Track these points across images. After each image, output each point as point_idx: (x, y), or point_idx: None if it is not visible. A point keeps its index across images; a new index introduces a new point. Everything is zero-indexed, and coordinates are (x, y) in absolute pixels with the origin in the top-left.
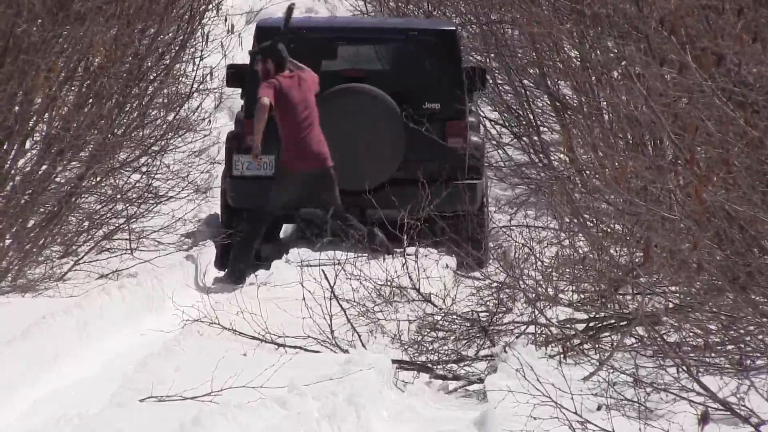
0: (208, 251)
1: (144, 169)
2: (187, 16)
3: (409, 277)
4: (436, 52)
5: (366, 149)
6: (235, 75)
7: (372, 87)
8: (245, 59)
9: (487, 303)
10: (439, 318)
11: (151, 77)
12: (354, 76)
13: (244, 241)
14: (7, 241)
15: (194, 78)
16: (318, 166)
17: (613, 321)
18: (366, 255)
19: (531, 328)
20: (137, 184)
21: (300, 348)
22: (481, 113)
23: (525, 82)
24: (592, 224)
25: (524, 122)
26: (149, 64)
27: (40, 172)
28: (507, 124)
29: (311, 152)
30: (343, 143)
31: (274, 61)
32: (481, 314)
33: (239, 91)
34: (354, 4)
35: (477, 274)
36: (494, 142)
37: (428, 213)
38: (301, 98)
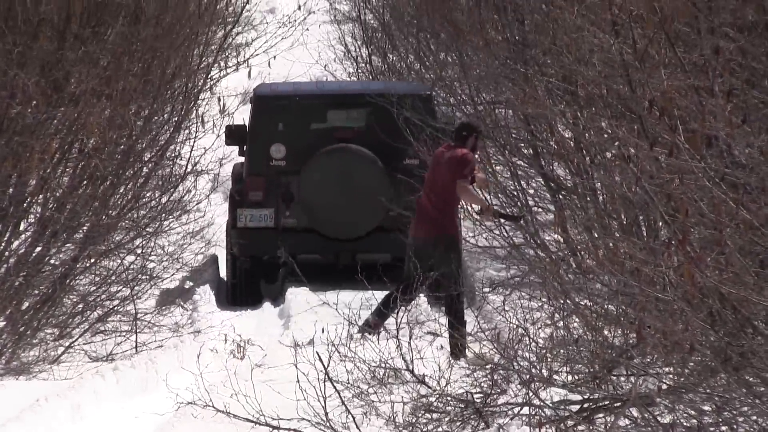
0: (202, 332)
1: (138, 250)
2: (181, 98)
3: (403, 358)
4: (414, 112)
5: (355, 202)
6: (234, 134)
7: (358, 146)
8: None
9: (482, 384)
10: (434, 399)
11: (146, 158)
12: (342, 136)
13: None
14: (1, 323)
15: (189, 159)
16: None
17: (607, 402)
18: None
19: (525, 410)
20: (132, 266)
21: (294, 430)
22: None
23: (519, 162)
24: (585, 305)
25: (519, 203)
26: (143, 145)
27: (34, 254)
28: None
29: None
30: (335, 197)
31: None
32: (475, 396)
33: (229, 173)
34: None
35: (471, 355)
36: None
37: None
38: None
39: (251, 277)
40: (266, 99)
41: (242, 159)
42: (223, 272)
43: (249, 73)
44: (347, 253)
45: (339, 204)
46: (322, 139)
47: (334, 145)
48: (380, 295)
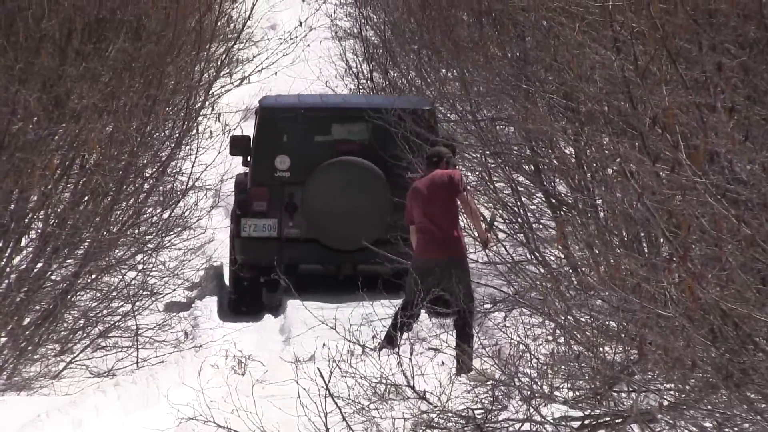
0: (203, 348)
1: (140, 266)
2: (182, 114)
3: (404, 374)
4: (416, 126)
5: (357, 213)
6: (237, 145)
7: (361, 159)
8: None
9: (483, 400)
10: (435, 415)
11: (147, 174)
12: (346, 149)
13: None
14: (3, 339)
15: (190, 175)
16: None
17: (608, 418)
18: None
19: (526, 426)
20: (133, 282)
21: None
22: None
23: (520, 179)
24: (585, 322)
25: (520, 219)
26: (145, 161)
27: (35, 270)
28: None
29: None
30: (337, 208)
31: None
32: (476, 412)
33: (230, 189)
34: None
35: (473, 372)
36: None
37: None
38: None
39: (253, 286)
40: (271, 110)
41: (244, 169)
42: (226, 283)
43: (248, 78)
44: (349, 264)
45: (342, 215)
46: (325, 151)
47: (337, 157)
48: (380, 310)
